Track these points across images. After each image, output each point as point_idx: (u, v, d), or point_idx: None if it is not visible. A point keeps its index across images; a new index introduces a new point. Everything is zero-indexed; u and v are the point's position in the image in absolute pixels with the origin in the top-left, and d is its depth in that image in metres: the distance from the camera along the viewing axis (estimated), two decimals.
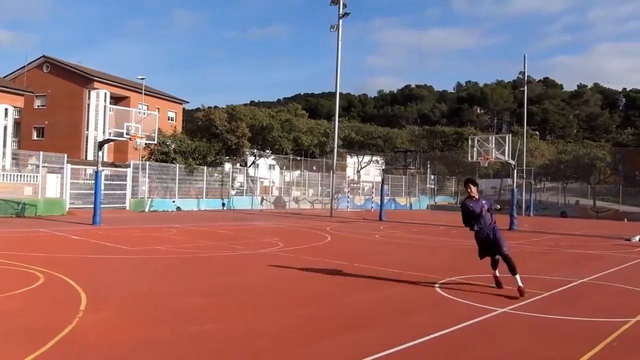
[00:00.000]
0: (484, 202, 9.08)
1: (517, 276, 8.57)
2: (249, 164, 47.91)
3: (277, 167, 53.91)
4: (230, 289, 8.98)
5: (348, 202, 46.38)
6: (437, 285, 9.57)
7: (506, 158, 26.20)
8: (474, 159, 27.74)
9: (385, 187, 37.40)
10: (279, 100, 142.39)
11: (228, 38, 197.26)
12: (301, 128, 54.41)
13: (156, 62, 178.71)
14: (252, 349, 5.66)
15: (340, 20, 35.14)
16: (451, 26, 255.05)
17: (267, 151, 50.81)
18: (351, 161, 61.02)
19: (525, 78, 48.08)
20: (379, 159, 58.76)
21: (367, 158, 59.32)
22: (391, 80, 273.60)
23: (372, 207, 45.35)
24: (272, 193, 47.78)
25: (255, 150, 48.79)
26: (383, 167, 43.44)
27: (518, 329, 6.75)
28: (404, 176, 53.00)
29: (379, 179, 43.15)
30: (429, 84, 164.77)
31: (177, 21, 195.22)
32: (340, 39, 35.29)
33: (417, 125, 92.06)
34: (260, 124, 49.15)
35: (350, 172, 59.44)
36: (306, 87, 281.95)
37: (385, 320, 7.01)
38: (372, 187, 52.20)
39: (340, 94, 38.71)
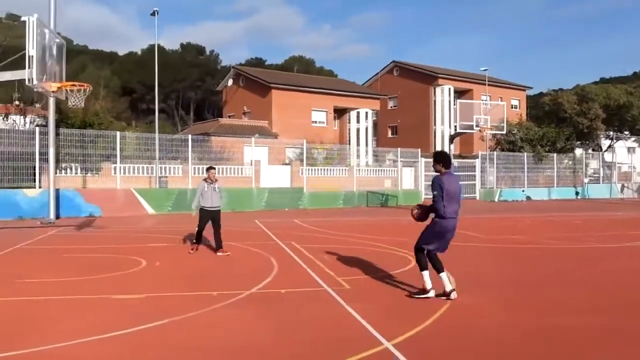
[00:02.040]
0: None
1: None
2: (604, 149, 43.86)
3: (637, 150, 48.05)
4: (593, 283, 8.53)
5: None
6: None
7: None
8: None
9: None
10: (635, 73, 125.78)
11: (570, 13, 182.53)
12: None
13: (495, 51, 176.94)
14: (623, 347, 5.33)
15: None
16: None
17: (626, 133, 45.67)
18: None
19: None
20: None
21: None
22: None
23: None
24: (633, 180, 42.72)
25: (611, 133, 44.41)
26: None
27: None
28: None
29: None
30: None
31: (511, 6, 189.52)
32: None
33: None
34: (616, 103, 44.44)
35: None
36: None
37: None
38: None
39: None
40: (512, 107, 55.72)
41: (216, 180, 11.56)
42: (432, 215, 7.35)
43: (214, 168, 11.92)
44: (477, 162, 33.48)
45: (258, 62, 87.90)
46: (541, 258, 11.17)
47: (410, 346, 5.24)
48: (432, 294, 7.12)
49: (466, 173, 32.84)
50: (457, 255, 11.59)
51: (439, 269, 7.24)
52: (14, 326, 6.03)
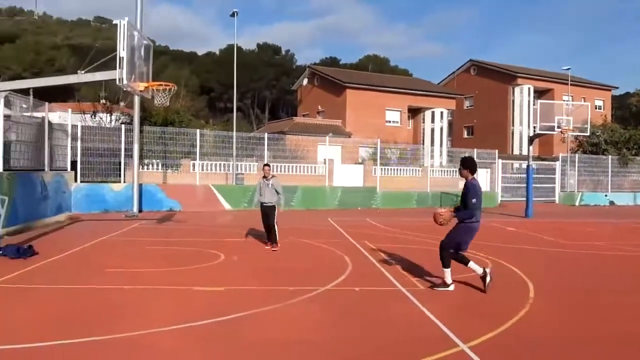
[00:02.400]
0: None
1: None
2: None
3: None
4: None
5: None
6: None
7: None
8: None
9: None
10: None
11: None
12: None
13: (579, 48, 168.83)
14: None
15: None
16: None
17: None
18: None
19: None
20: None
21: None
22: None
23: None
24: None
25: None
26: None
27: None
28: None
29: None
30: None
31: (596, 0, 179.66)
32: None
33: None
34: None
35: None
36: None
37: None
38: None
39: None
40: (595, 108, 53.26)
41: (272, 177, 11.94)
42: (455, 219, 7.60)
43: (269, 165, 12.37)
44: (557, 164, 32.24)
45: (332, 62, 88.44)
46: (625, 266, 10.65)
47: (487, 349, 5.18)
48: (452, 287, 7.67)
49: (545, 176, 31.70)
50: (536, 259, 11.29)
51: (466, 262, 7.71)
52: (103, 313, 6.41)
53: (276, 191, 11.81)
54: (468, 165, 7.65)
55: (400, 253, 11.19)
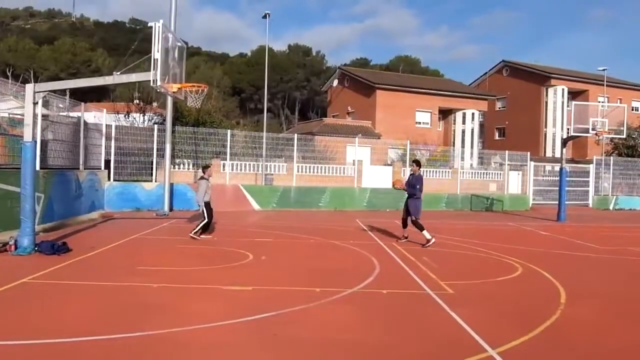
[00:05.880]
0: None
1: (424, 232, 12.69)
2: None
3: None
4: None
5: None
6: None
7: None
8: None
9: None
10: None
11: None
12: None
13: (620, 50, 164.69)
14: None
15: None
16: None
17: None
18: None
19: None
20: None
21: None
22: None
23: None
24: None
25: None
26: None
27: None
28: None
29: None
30: None
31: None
32: None
33: None
34: None
35: None
36: None
37: None
38: None
39: None
40: (632, 110, 52.02)
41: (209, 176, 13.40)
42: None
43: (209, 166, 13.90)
44: (591, 167, 31.60)
45: (363, 63, 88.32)
46: None
47: (516, 355, 5.12)
48: (433, 240, 12.47)
49: (578, 178, 31.09)
50: (568, 264, 11.11)
51: (422, 228, 12.79)
52: (136, 310, 6.52)
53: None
54: (419, 164, 13.21)
55: (428, 256, 11.13)
